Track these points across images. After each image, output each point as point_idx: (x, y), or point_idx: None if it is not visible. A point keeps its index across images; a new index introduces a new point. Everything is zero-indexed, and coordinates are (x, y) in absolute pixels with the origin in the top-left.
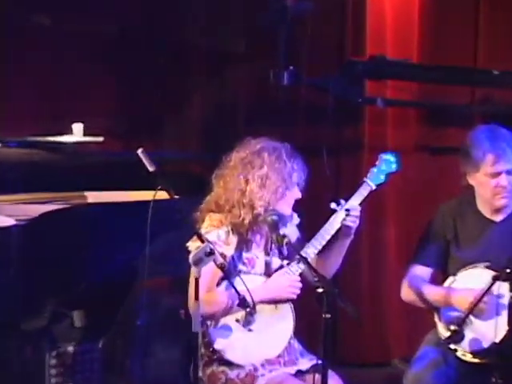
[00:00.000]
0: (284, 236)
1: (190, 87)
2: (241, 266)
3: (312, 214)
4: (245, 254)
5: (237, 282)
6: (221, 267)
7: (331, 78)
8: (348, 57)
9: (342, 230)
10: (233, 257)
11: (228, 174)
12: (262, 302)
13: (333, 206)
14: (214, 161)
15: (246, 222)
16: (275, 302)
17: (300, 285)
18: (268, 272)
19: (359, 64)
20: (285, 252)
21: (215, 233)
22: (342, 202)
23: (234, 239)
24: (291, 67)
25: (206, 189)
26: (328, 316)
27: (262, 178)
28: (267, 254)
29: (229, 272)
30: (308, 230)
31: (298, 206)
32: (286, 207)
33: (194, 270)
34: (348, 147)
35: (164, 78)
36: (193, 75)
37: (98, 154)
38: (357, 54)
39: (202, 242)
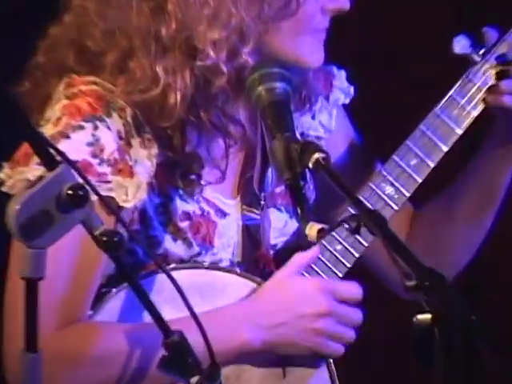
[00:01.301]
0: (308, 144)
1: None
2: (170, 243)
3: (396, 72)
4: (182, 204)
5: (158, 292)
6: (106, 244)
7: None
8: None
9: (494, 125)
10: (144, 212)
11: None
12: (247, 355)
13: (458, 47)
14: None
15: (177, 99)
16: (284, 357)
17: (360, 315)
18: (254, 261)
19: None
20: (311, 196)
21: (85, 134)
22: (490, 35)
23: (144, 156)
24: None
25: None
26: None
27: None
28: (251, 202)
29: (135, 262)
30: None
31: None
32: (303, 44)
33: (21, 252)
34: None
35: None
36: None
37: None
38: None
39: (50, 165)
